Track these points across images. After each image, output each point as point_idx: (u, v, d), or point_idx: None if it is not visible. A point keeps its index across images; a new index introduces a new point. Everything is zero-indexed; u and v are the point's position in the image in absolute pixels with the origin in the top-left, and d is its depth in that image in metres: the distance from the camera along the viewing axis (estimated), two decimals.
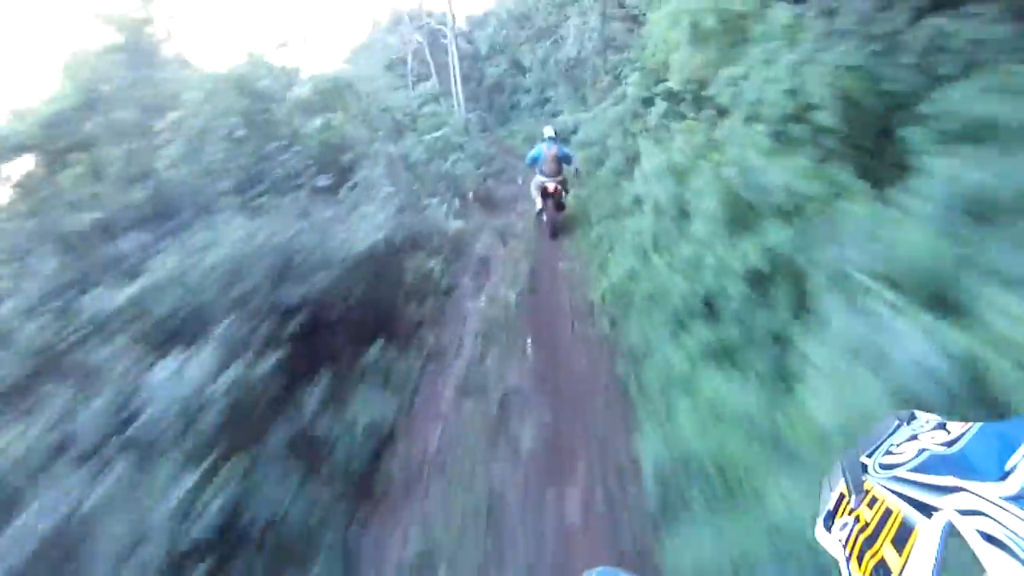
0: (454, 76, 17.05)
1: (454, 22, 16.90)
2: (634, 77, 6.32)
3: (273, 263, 3.09)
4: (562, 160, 6.53)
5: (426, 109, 13.95)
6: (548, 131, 6.92)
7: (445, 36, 17.99)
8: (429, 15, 20.92)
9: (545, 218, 6.75)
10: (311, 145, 6.05)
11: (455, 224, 6.44)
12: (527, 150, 7.36)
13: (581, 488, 2.79)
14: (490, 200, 8.91)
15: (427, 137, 9.87)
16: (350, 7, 34.57)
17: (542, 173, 6.58)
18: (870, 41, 2.90)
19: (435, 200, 6.61)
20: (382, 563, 2.52)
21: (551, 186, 6.53)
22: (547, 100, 17.43)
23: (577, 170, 7.16)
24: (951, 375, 1.53)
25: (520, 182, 10.59)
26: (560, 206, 6.67)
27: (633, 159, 6.26)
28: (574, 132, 11.02)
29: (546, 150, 6.61)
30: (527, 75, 19.32)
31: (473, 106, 19.62)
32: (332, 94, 8.27)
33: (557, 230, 6.68)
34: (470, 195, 8.06)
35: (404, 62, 20.22)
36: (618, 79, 8.89)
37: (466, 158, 10.34)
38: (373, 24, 25.25)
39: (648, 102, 6.31)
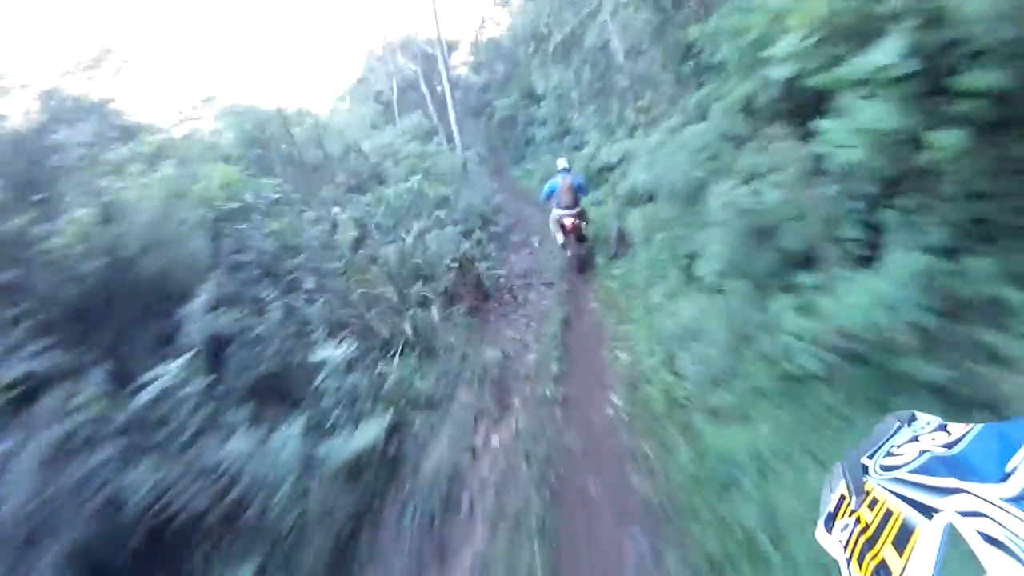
0: (450, 108, 15.45)
1: (444, 47, 15.38)
2: (788, 42, 2.93)
3: None
4: (578, 191, 6.32)
5: (410, 148, 11.64)
6: (562, 163, 6.72)
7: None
8: (429, 43, 18.76)
9: (569, 253, 6.47)
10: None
11: (367, 435, 2.90)
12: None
13: None
14: (484, 294, 5.85)
15: (390, 191, 7.33)
16: (344, 40, 31.31)
17: (559, 206, 6.30)
18: None
19: (338, 351, 3.33)
20: None
21: (569, 222, 6.23)
22: (567, 132, 14.99)
23: (620, 232, 6.24)
24: None
25: (536, 244, 8.15)
26: (582, 238, 6.39)
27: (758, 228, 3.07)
28: (609, 169, 8.72)
29: (561, 182, 6.36)
30: (541, 104, 16.77)
31: (472, 141, 17.95)
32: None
33: (584, 264, 6.51)
34: (434, 309, 4.76)
35: (391, 94, 16.69)
36: (699, 72, 5.64)
37: (450, 218, 7.59)
38: (368, 55, 21.53)
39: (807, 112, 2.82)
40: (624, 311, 4.41)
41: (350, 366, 2.92)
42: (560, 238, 6.45)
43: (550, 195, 6.41)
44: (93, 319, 2.42)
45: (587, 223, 6.40)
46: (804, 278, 2.46)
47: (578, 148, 12.53)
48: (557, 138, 15.25)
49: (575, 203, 6.24)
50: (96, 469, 2.00)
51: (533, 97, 18.34)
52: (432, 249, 5.09)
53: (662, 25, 5.52)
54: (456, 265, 5.00)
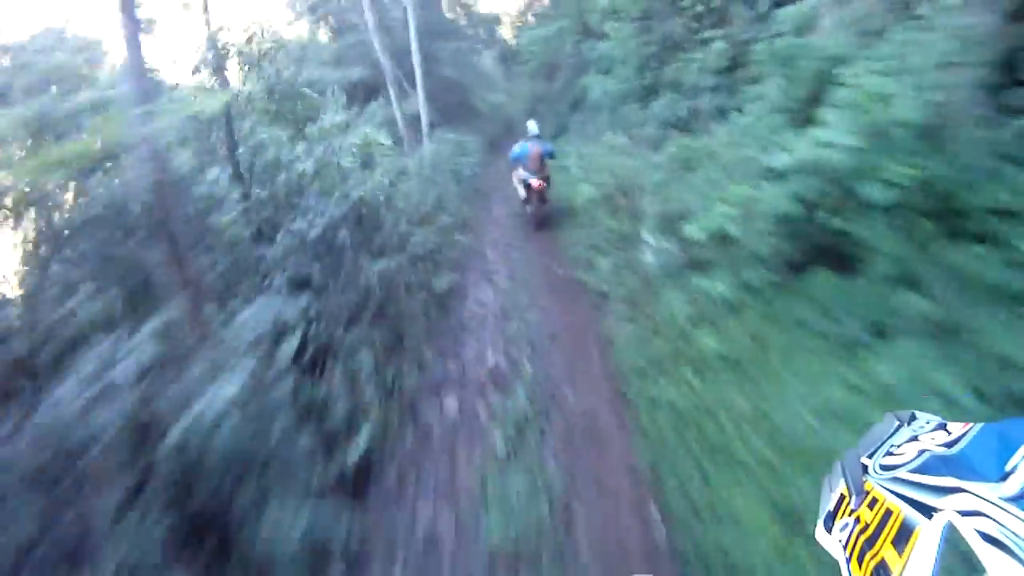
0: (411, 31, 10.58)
1: None
2: None
3: None
4: (545, 156, 7.98)
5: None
6: (532, 126, 8.27)
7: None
8: None
9: (530, 210, 8.29)
10: None
11: None
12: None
13: None
14: None
15: None
16: None
17: (526, 169, 7.94)
18: None
19: None
20: None
21: (535, 182, 7.78)
22: (653, 87, 8.27)
23: None
24: None
25: None
26: (543, 199, 8.22)
27: None
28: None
29: (531, 148, 7.82)
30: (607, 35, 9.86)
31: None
32: None
33: (542, 222, 8.29)
34: None
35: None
36: None
37: None
38: None
39: None
40: None
41: None
42: (523, 194, 8.10)
43: (518, 159, 8.02)
44: None
45: (550, 187, 8.17)
46: None
47: (684, 126, 7.15)
48: (635, 97, 8.86)
49: (542, 168, 7.79)
50: None
51: (586, 28, 11.38)
52: None
53: None
54: None
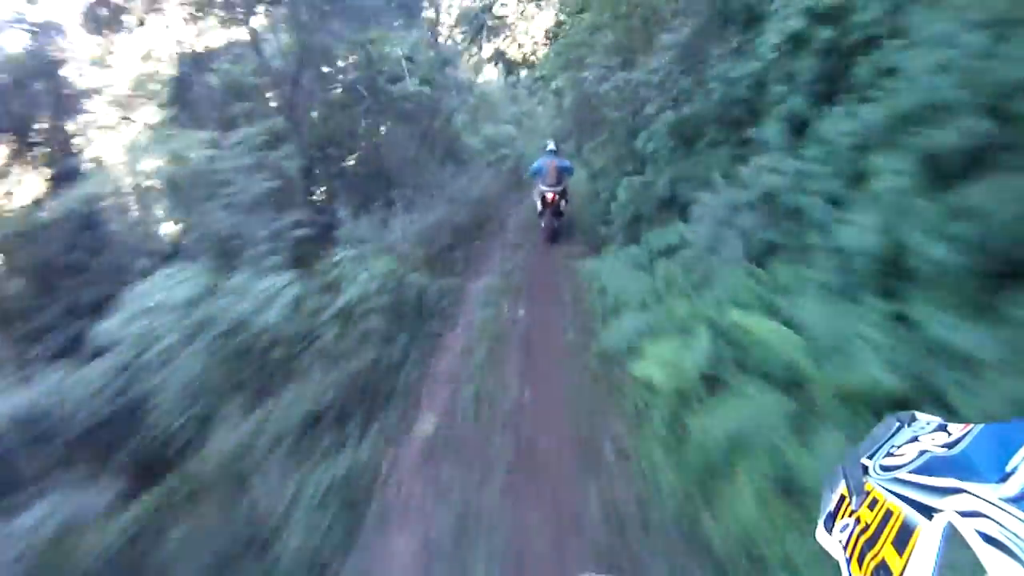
0: None
1: None
2: None
3: None
4: (562, 171, 8.62)
5: None
6: (550, 144, 9.01)
7: None
8: None
9: (543, 224, 9.00)
10: None
11: None
12: None
13: None
14: None
15: None
16: None
17: (544, 183, 8.59)
18: None
19: None
20: None
21: (550, 195, 8.53)
22: None
23: None
24: None
25: None
26: (558, 213, 8.96)
27: None
28: None
29: (548, 163, 8.51)
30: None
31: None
32: None
33: (555, 234, 9.05)
34: None
35: None
36: None
37: None
38: None
39: None
40: None
41: None
42: (539, 207, 8.78)
43: (536, 173, 8.69)
44: None
45: (567, 201, 8.85)
46: None
47: None
48: None
49: (558, 182, 8.44)
50: None
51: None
52: None
53: None
54: None
